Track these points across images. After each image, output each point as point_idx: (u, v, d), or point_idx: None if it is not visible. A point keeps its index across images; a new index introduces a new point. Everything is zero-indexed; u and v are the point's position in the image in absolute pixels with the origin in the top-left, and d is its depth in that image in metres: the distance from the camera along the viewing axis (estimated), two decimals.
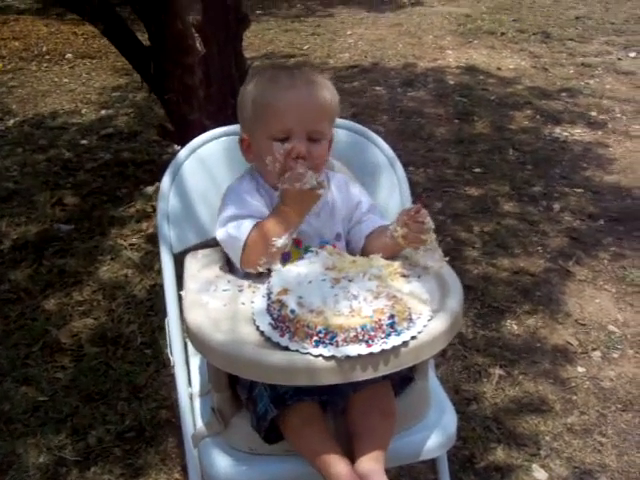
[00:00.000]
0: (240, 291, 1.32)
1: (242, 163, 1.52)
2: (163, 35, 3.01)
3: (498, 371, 2.34)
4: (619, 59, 6.02)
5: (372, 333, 1.11)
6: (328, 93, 1.43)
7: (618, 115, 4.74)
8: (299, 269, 1.25)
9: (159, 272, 1.60)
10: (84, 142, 4.28)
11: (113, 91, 5.27)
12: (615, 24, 7.22)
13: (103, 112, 4.82)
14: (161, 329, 1.59)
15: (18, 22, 7.10)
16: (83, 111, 4.85)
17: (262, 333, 1.18)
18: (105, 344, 2.47)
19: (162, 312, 1.60)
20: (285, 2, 8.35)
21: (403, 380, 1.36)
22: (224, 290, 1.32)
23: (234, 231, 1.37)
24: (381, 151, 1.66)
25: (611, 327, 2.56)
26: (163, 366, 2.32)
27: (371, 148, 1.67)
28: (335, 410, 1.33)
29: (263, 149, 1.42)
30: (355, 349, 1.11)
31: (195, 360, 1.59)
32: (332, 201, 1.49)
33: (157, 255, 1.63)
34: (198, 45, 3.22)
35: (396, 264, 1.29)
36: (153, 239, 2.92)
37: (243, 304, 1.28)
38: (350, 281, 1.20)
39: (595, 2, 8.23)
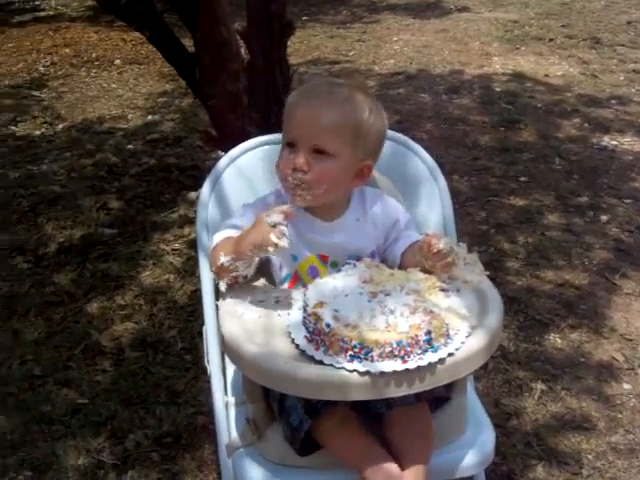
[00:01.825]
0: (276, 302, 1.32)
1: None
2: (208, 42, 3.03)
3: (540, 386, 2.28)
4: None
5: (408, 349, 1.09)
6: (344, 112, 1.36)
7: None
8: (336, 282, 1.24)
9: (200, 278, 1.61)
10: (130, 147, 4.34)
11: (159, 97, 5.33)
12: None
13: (149, 117, 4.89)
14: (201, 335, 1.59)
15: (69, 29, 7.25)
16: (129, 116, 4.92)
17: (297, 346, 1.18)
18: (145, 349, 2.50)
19: (202, 318, 1.61)
20: (332, 8, 8.35)
21: (439, 400, 1.34)
22: (260, 301, 1.31)
23: (215, 237, 1.39)
24: (422, 161, 1.64)
25: None
26: (202, 372, 2.32)
27: (412, 158, 1.65)
28: (370, 425, 1.31)
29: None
30: (390, 365, 1.09)
31: (232, 369, 1.59)
32: (363, 218, 1.48)
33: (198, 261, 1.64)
34: (242, 52, 3.25)
35: (434, 278, 1.27)
36: (195, 245, 2.94)
37: (279, 316, 1.28)
38: (387, 295, 1.19)
39: None
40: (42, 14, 8.07)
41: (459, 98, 5.14)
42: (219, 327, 1.32)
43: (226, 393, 1.54)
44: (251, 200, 1.48)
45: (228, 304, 1.31)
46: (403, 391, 1.10)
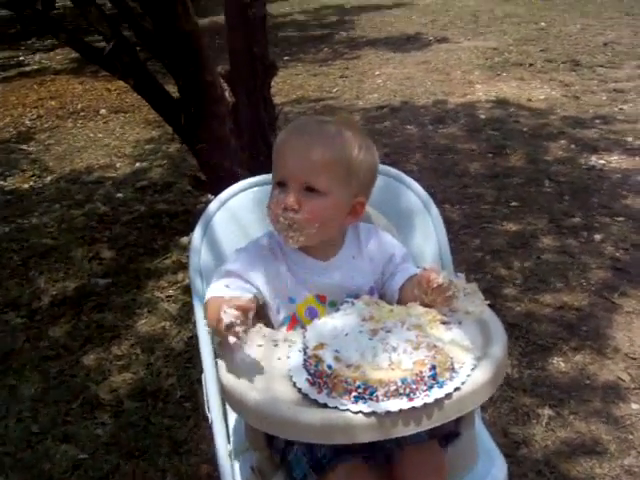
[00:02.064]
0: (275, 346, 1.29)
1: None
2: (192, 87, 3.05)
3: (547, 411, 2.25)
4: None
5: (413, 386, 1.07)
6: (334, 149, 1.35)
7: None
8: (334, 321, 1.22)
9: (196, 324, 1.59)
10: (119, 195, 4.33)
11: (146, 143, 5.35)
12: None
13: (137, 165, 4.89)
14: (200, 381, 1.56)
15: (54, 82, 7.30)
16: (118, 165, 4.93)
17: (299, 390, 1.15)
18: (144, 399, 2.46)
19: (200, 364, 1.58)
20: (312, 47, 8.45)
21: (449, 435, 1.30)
22: (258, 345, 1.29)
23: (209, 291, 1.37)
24: (415, 194, 1.63)
25: None
26: (203, 419, 2.26)
27: (405, 191, 1.64)
28: (379, 468, 1.28)
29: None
30: (396, 404, 1.06)
31: (233, 416, 1.55)
32: (359, 255, 1.45)
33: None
34: (227, 95, 3.26)
35: (435, 311, 1.25)
36: (190, 290, 2.91)
37: (279, 359, 1.25)
38: (388, 332, 1.16)
39: (623, 27, 8.17)
40: (27, 69, 8.14)
41: (445, 127, 5.17)
42: (218, 375, 1.29)
43: (229, 441, 1.50)
44: (243, 243, 1.46)
45: (226, 350, 1.28)
46: (411, 430, 1.07)
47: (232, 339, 1.18)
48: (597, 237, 3.34)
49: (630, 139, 4.66)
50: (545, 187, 3.97)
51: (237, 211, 1.62)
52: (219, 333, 1.22)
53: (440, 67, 7.00)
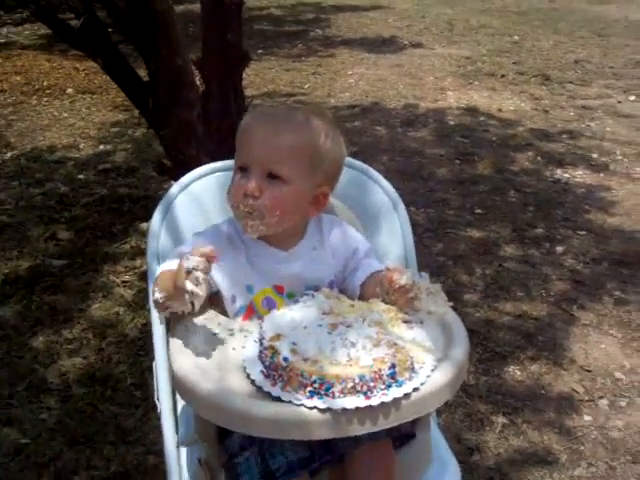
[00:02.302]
0: (231, 335, 1.24)
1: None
2: (163, 70, 2.98)
3: (501, 419, 2.25)
4: (619, 102, 6.02)
5: (371, 384, 1.03)
6: (301, 136, 1.31)
7: (619, 157, 4.71)
8: (293, 313, 1.18)
9: (150, 311, 1.53)
10: (81, 177, 4.23)
11: (112, 126, 5.24)
12: (614, 68, 7.25)
13: (101, 147, 4.78)
14: (152, 370, 1.51)
15: (20, 57, 7.11)
16: (81, 146, 4.81)
17: (253, 382, 1.10)
18: (93, 384, 2.39)
19: (153, 353, 1.53)
20: (287, 42, 8.40)
21: (403, 436, 1.27)
22: (213, 334, 1.24)
23: (161, 267, 1.32)
24: (384, 191, 1.59)
25: (618, 374, 2.48)
26: (153, 409, 2.20)
27: (373, 187, 1.60)
28: (331, 467, 1.24)
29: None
30: (353, 401, 1.03)
31: (183, 406, 1.50)
32: (321, 246, 1.41)
33: None
34: (197, 81, 3.20)
35: (397, 309, 1.22)
36: (147, 277, 2.85)
37: (234, 349, 1.20)
38: (349, 327, 1.13)
39: (593, 47, 8.29)
40: None
41: (414, 131, 5.18)
42: (170, 362, 1.24)
43: (177, 432, 1.45)
44: (204, 229, 1.41)
45: (179, 336, 1.23)
46: (367, 428, 1.04)
47: (190, 285, 1.13)
48: (559, 249, 3.37)
49: (595, 155, 4.72)
50: (510, 197, 3.99)
51: (199, 196, 1.57)
52: (173, 297, 1.17)
53: (413, 71, 7.01)
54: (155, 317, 1.45)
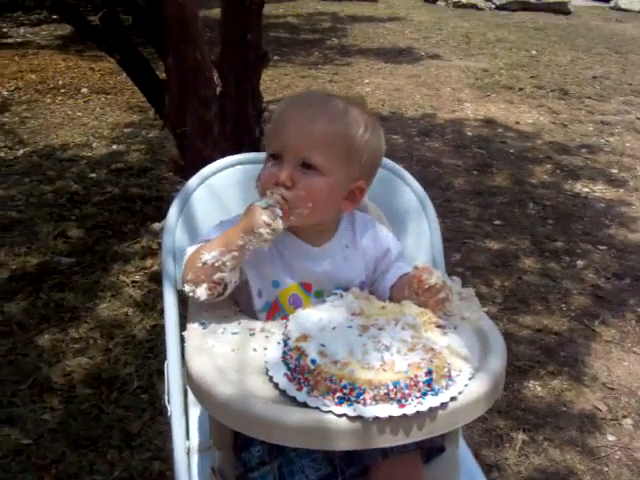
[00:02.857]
0: (252, 335, 1.16)
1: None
2: (180, 66, 2.91)
3: (521, 436, 2.16)
4: (638, 119, 5.95)
5: (406, 391, 0.95)
6: (339, 125, 1.23)
7: (639, 174, 4.62)
8: (321, 313, 1.09)
9: (161, 312, 1.46)
10: (93, 175, 4.17)
11: (126, 127, 5.19)
12: (632, 85, 7.18)
13: (114, 147, 4.73)
14: (160, 373, 1.43)
15: (37, 56, 7.09)
16: (94, 145, 4.76)
17: (276, 385, 1.02)
18: (99, 386, 2.31)
19: (162, 355, 1.45)
20: (303, 50, 8.36)
21: (433, 449, 1.19)
22: (233, 333, 1.16)
23: (188, 250, 1.24)
24: (413, 191, 1.52)
25: None
26: (160, 413, 2.15)
27: (402, 187, 1.53)
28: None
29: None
30: (386, 410, 0.95)
31: (195, 410, 1.43)
32: (353, 245, 1.33)
33: (160, 294, 1.48)
34: (216, 79, 3.14)
35: (430, 312, 1.14)
36: (157, 277, 2.79)
37: (255, 350, 1.12)
38: (380, 329, 1.04)
39: (612, 63, 8.23)
40: (9, 40, 7.91)
41: (431, 141, 5.11)
42: (183, 362, 1.16)
43: (188, 437, 1.37)
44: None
45: (196, 335, 1.15)
46: (399, 440, 0.96)
47: (269, 218, 1.14)
48: (579, 263, 3.28)
49: (615, 171, 4.64)
50: (529, 209, 3.91)
51: (218, 190, 1.49)
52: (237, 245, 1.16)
53: (430, 82, 6.95)
54: (170, 313, 1.38)
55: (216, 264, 1.15)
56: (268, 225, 1.14)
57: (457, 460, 1.24)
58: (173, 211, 1.47)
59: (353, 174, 1.26)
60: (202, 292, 1.17)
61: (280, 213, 1.16)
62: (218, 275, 1.16)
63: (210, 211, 1.48)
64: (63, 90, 6.06)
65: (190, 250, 1.23)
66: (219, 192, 1.50)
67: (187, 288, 1.19)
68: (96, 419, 2.16)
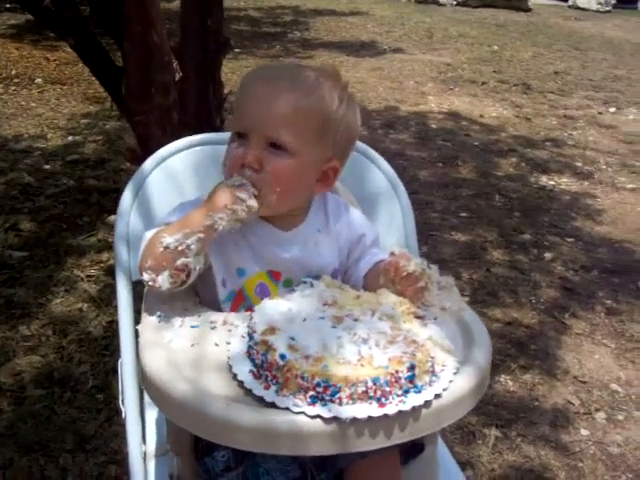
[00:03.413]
0: (213, 329, 1.05)
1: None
2: (137, 49, 2.77)
3: (494, 432, 2.09)
4: (600, 113, 5.98)
5: (387, 389, 0.85)
6: (310, 100, 1.11)
7: (603, 167, 4.63)
8: (290, 304, 0.99)
9: (118, 302, 1.34)
10: (47, 167, 4.00)
11: (82, 118, 5.01)
12: (593, 81, 7.24)
13: (70, 138, 4.55)
14: (116, 372, 1.32)
15: None
16: (49, 136, 4.58)
17: (240, 384, 0.92)
18: (51, 386, 2.18)
19: (118, 352, 1.33)
20: (265, 43, 8.24)
21: (413, 449, 1.10)
22: (192, 326, 1.05)
23: (147, 234, 1.12)
24: (383, 173, 1.43)
25: (614, 386, 2.35)
26: (116, 414, 2.02)
27: (371, 169, 1.43)
28: None
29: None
30: (364, 409, 0.85)
31: (153, 412, 1.32)
32: (325, 229, 1.22)
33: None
34: (175, 66, 3.02)
35: (408, 302, 1.04)
36: (114, 272, 2.65)
37: (216, 345, 1.01)
38: (356, 320, 0.95)
39: (572, 60, 8.30)
40: None
41: (396, 133, 5.05)
42: (139, 359, 1.06)
43: (144, 441, 1.26)
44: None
45: (152, 328, 1.04)
46: (379, 443, 0.86)
47: (245, 195, 1.06)
48: (547, 255, 3.24)
49: (579, 164, 4.64)
50: (495, 201, 3.86)
51: (176, 173, 1.38)
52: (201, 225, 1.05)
53: (393, 75, 6.90)
54: (124, 307, 1.27)
55: (179, 248, 1.04)
56: (243, 201, 1.04)
57: (436, 460, 1.15)
58: (127, 195, 1.36)
59: (326, 153, 1.15)
60: (164, 280, 1.06)
61: (254, 192, 1.07)
62: (182, 260, 1.05)
63: (167, 195, 1.36)
64: (16, 80, 5.85)
65: (149, 235, 1.11)
66: (176, 175, 1.38)
67: (146, 277, 1.07)
68: (48, 421, 2.04)
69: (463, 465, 1.93)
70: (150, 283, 1.07)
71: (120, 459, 1.87)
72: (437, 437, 1.15)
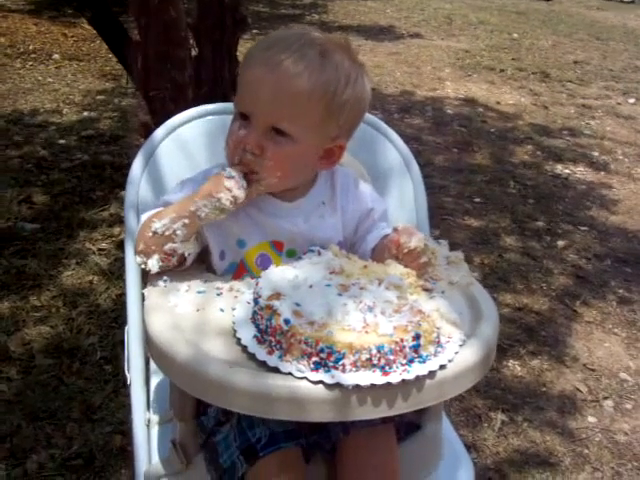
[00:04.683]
0: (219, 295, 1.05)
1: None
2: (154, 24, 2.76)
3: (500, 416, 2.08)
4: (618, 104, 5.91)
5: (391, 357, 0.85)
6: (315, 83, 1.06)
7: (620, 157, 4.58)
8: (296, 271, 0.98)
9: (125, 268, 1.34)
10: (62, 142, 4.01)
11: (98, 94, 5.01)
12: (613, 71, 7.16)
13: (85, 114, 4.56)
14: (124, 342, 1.32)
15: (6, 19, 6.83)
16: (64, 111, 4.59)
17: (244, 349, 0.91)
18: (60, 356, 2.19)
19: (126, 322, 1.34)
20: (282, 24, 8.19)
21: (408, 426, 1.09)
22: (198, 292, 1.05)
23: (143, 216, 1.13)
24: (396, 149, 1.41)
25: (623, 375, 2.33)
26: (123, 385, 2.04)
27: (383, 143, 1.42)
28: (319, 457, 1.06)
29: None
30: (367, 377, 0.84)
31: (157, 379, 1.32)
32: (331, 202, 1.20)
33: None
34: (192, 42, 3.00)
35: (415, 275, 1.03)
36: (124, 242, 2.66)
37: (222, 311, 1.01)
38: (362, 289, 0.94)
39: (592, 49, 8.20)
40: None
41: (411, 118, 5.01)
42: (144, 325, 1.05)
43: (149, 409, 1.26)
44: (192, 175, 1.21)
45: (157, 292, 1.04)
46: (381, 412, 0.85)
47: (231, 183, 1.05)
48: (560, 243, 3.21)
49: (596, 154, 4.59)
50: (510, 188, 3.83)
51: (187, 141, 1.38)
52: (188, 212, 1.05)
53: (410, 60, 6.85)
54: (132, 274, 1.26)
55: (166, 233, 1.05)
56: (229, 190, 1.03)
57: (440, 439, 1.14)
58: (137, 162, 1.36)
59: (331, 134, 1.13)
60: (153, 264, 1.07)
61: (245, 185, 1.05)
62: (169, 246, 1.06)
63: (177, 164, 1.36)
64: (34, 55, 5.85)
65: (144, 217, 1.12)
66: (187, 144, 1.38)
67: (139, 260, 1.09)
68: (55, 391, 2.05)
69: (468, 447, 1.92)
70: (142, 266, 1.09)
71: (125, 430, 1.88)
72: (441, 415, 1.14)
